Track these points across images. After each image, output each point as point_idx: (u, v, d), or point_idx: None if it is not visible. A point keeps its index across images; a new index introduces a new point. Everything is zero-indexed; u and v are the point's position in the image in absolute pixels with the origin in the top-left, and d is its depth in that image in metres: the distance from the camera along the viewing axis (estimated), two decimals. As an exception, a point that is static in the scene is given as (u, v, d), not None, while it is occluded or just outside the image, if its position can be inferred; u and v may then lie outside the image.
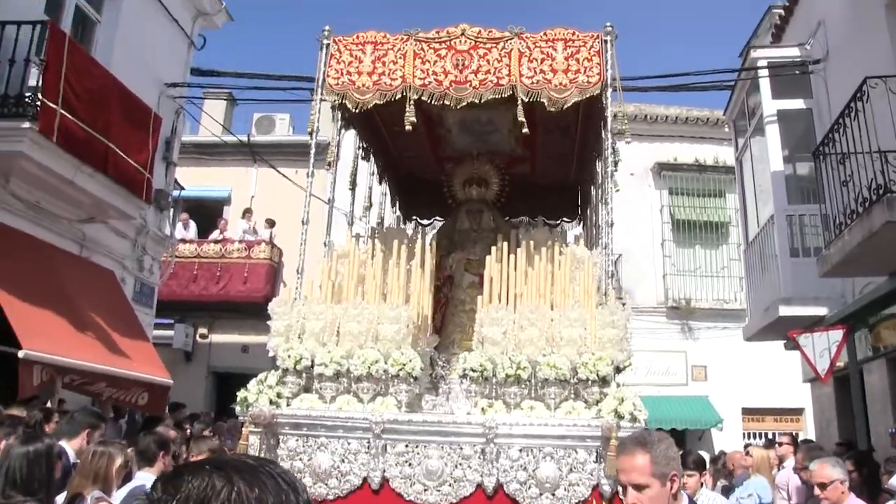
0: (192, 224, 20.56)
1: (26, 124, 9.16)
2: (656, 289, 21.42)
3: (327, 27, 7.19)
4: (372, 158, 8.62)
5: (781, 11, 14.91)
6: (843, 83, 10.72)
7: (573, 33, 6.88)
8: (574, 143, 8.44)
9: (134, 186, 11.28)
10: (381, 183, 9.08)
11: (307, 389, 6.10)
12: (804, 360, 12.34)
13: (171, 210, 15.15)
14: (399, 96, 6.87)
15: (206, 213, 21.57)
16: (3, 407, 8.07)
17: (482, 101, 6.81)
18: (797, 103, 13.33)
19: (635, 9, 57.66)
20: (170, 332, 19.36)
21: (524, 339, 5.95)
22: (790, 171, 13.38)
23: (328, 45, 7.12)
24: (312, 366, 6.05)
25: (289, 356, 6.03)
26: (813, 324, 12.33)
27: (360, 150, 8.38)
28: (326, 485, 5.65)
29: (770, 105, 13.40)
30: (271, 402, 5.86)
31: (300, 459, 5.75)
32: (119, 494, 6.02)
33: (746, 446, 13.07)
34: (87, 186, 10.38)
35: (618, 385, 5.94)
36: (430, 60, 6.92)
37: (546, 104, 6.73)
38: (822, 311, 12.50)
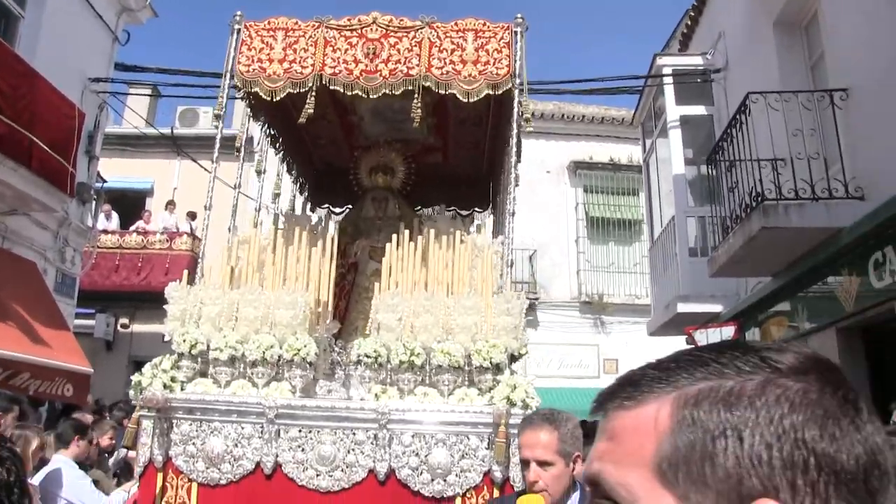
0: (115, 215, 20.41)
1: None
2: (570, 284, 21.81)
3: (239, 12, 7.12)
4: (280, 145, 8.54)
5: (688, 21, 15.32)
6: (740, 93, 10.92)
7: (484, 24, 6.88)
8: (486, 134, 8.45)
9: (56, 180, 11.41)
10: (289, 171, 8.97)
11: (203, 374, 6.00)
12: (699, 356, 13.01)
13: (94, 202, 14.96)
14: (309, 85, 6.81)
15: (129, 205, 21.38)
16: None
17: (393, 91, 6.77)
18: (699, 109, 13.80)
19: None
20: (91, 322, 19.25)
21: (419, 326, 5.88)
22: (694, 173, 13.70)
23: (239, 30, 7.04)
24: (208, 350, 5.94)
25: (184, 340, 5.92)
26: (709, 320, 12.88)
27: (269, 138, 8.28)
28: (219, 469, 5.57)
29: (673, 111, 13.84)
30: (165, 387, 5.76)
31: (193, 444, 5.65)
32: (39, 476, 6.51)
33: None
34: (9, 180, 10.50)
35: (512, 373, 5.90)
36: (340, 49, 6.88)
37: (456, 95, 6.72)
38: (717, 308, 13.02)
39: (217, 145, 7.04)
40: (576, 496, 3.48)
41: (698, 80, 13.79)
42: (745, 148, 9.79)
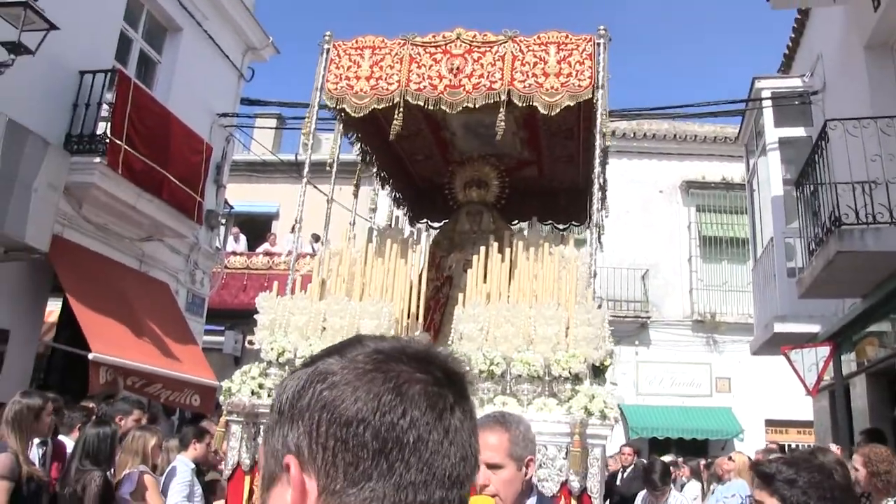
0: (243, 237, 21.22)
1: (97, 159, 10.60)
2: (683, 303, 21.60)
3: (328, 32, 7.18)
4: (376, 162, 8.59)
5: (789, 42, 15.00)
6: (838, 115, 10.69)
7: (566, 36, 6.77)
8: (579, 147, 8.21)
9: (187, 209, 12.52)
10: (383, 187, 9.05)
11: None
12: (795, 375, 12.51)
13: (223, 227, 16.07)
14: (395, 101, 6.80)
15: (257, 227, 22.31)
16: (75, 401, 9.14)
17: (476, 105, 6.71)
18: (798, 131, 13.51)
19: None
20: (221, 339, 19.93)
21: (500, 336, 5.78)
22: (796, 194, 13.05)
23: (328, 49, 7.11)
24: (296, 358, 5.96)
25: (272, 349, 6.05)
26: (807, 340, 12.61)
27: (364, 155, 8.36)
28: None
29: (772, 133, 13.66)
30: (253, 393, 5.88)
31: None
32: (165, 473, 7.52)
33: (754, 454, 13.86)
34: (146, 210, 11.69)
35: (600, 383, 5.83)
36: (425, 65, 6.86)
37: (539, 108, 6.62)
38: (815, 328, 12.77)
39: (307, 165, 7.39)
40: (531, 501, 3.32)
41: (795, 103, 13.58)
42: (826, 173, 9.73)
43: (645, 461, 12.28)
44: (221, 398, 6.06)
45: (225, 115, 15.32)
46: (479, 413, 4.93)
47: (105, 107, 11.15)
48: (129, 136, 11.02)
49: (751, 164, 15.67)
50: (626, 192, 20.52)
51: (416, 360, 1.10)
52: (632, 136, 22.28)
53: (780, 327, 12.92)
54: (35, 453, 6.65)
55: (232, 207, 16.23)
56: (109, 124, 10.92)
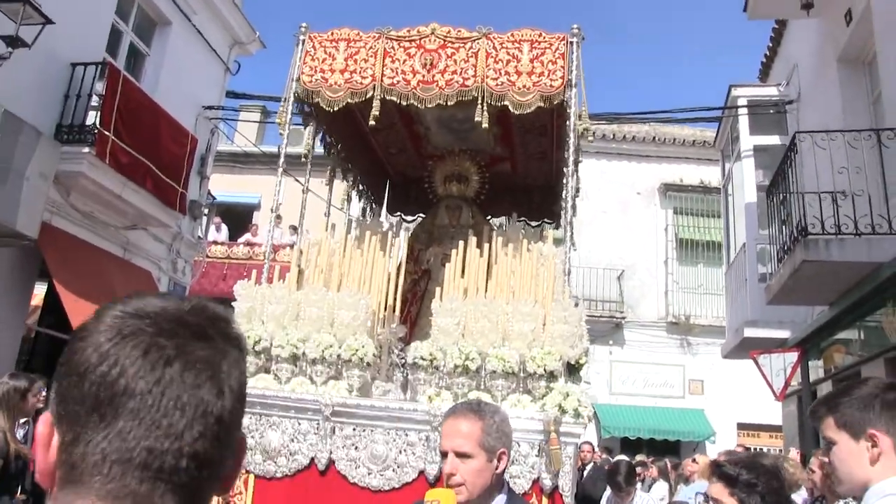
0: (224, 227, 21.18)
1: (86, 149, 10.86)
2: (658, 304, 21.77)
3: (304, 24, 7.15)
4: (345, 154, 8.54)
5: (767, 52, 15.23)
6: (810, 125, 10.98)
7: (540, 34, 6.75)
8: (552, 144, 8.22)
9: (170, 199, 12.74)
10: (345, 178, 8.91)
11: (266, 370, 6.01)
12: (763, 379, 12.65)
13: (205, 218, 16.28)
14: (369, 95, 6.76)
15: (238, 218, 22.45)
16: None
17: (447, 103, 6.73)
18: (773, 139, 13.66)
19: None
20: None
21: (476, 331, 5.74)
22: (768, 201, 13.16)
23: (304, 41, 7.09)
24: (272, 347, 5.94)
25: (248, 337, 5.84)
26: (777, 346, 12.78)
27: (337, 148, 8.33)
28: (275, 463, 5.57)
29: (747, 140, 13.89)
30: None
31: (252, 437, 5.62)
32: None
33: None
34: (131, 200, 11.94)
35: (575, 381, 5.75)
36: (399, 59, 6.85)
37: (510, 107, 6.63)
38: (784, 334, 13.00)
39: (282, 156, 7.41)
40: (501, 498, 3.12)
41: (771, 112, 13.80)
42: (795, 183, 9.88)
43: (611, 460, 12.61)
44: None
45: (210, 107, 15.50)
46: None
47: (95, 98, 11.36)
48: (116, 128, 11.25)
49: (726, 169, 15.79)
50: (604, 192, 20.77)
51: (149, 315, 1.11)
52: (611, 137, 22.34)
53: (750, 332, 13.14)
54: (17, 432, 6.93)
55: (214, 198, 16.47)
56: (98, 115, 11.15)
